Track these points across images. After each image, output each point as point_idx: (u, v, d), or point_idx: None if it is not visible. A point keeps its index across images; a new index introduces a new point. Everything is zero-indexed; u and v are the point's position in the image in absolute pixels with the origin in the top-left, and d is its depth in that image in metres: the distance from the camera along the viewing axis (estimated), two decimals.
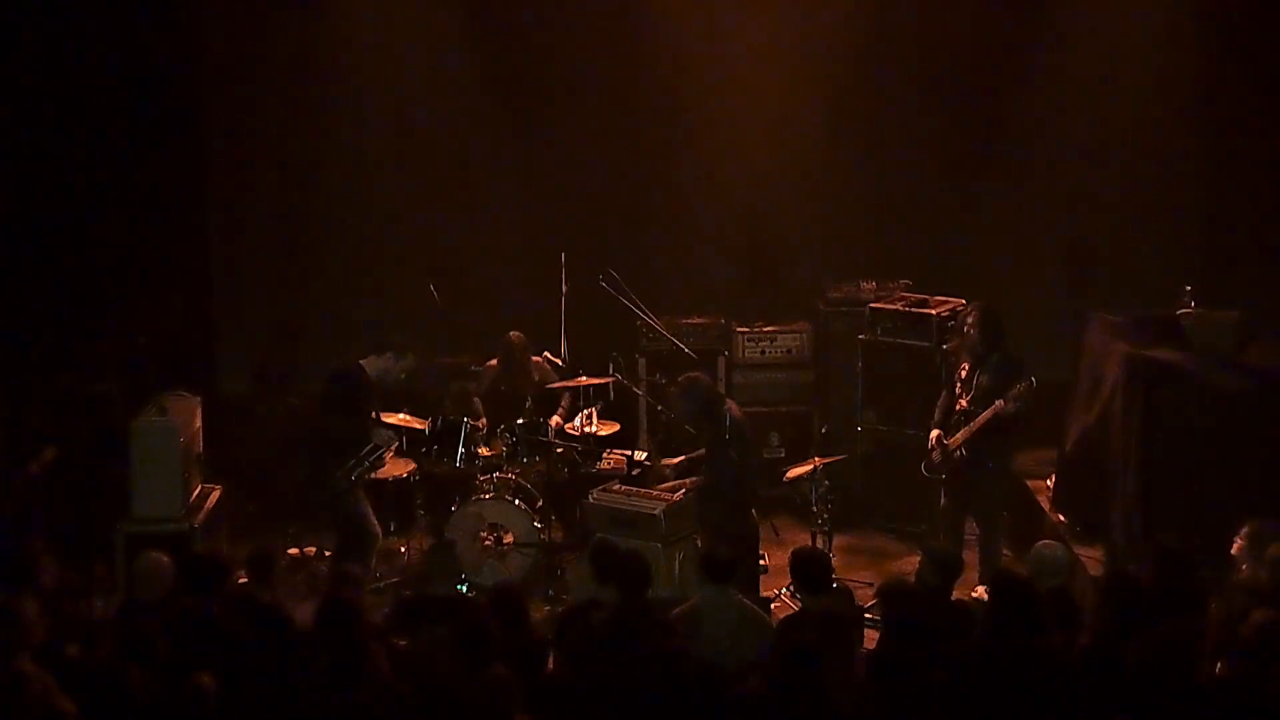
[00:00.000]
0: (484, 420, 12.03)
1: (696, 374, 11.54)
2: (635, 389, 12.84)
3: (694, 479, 11.22)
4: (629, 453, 12.02)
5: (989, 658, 7.46)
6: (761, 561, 11.43)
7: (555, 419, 12.22)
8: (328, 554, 11.63)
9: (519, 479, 11.73)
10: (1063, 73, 13.76)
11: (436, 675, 7.42)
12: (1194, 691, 7.18)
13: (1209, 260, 13.42)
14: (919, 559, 9.27)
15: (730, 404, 11.33)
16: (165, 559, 8.75)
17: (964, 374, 11.08)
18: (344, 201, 14.05)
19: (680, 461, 11.41)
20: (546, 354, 12.61)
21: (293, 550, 12.07)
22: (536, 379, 12.37)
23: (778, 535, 12.17)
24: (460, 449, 11.63)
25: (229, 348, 13.88)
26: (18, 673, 7.25)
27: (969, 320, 11.15)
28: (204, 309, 13.70)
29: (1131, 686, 7.23)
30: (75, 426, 11.31)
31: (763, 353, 13.46)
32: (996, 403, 10.75)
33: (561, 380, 12.38)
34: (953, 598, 8.84)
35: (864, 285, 13.16)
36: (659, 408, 12.46)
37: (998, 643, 7.54)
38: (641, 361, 13.26)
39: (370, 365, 11.12)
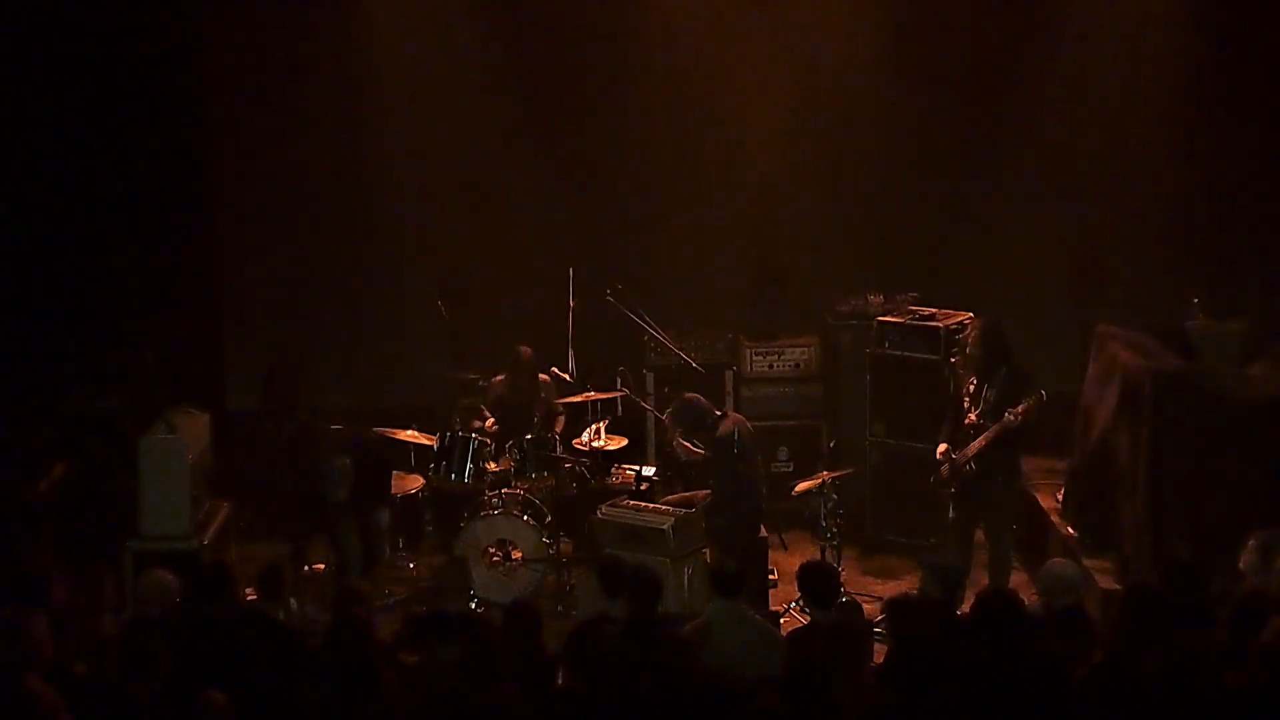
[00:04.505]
0: (491, 421, 12.01)
1: (690, 395, 11.53)
2: (643, 404, 12.84)
3: (704, 493, 11.24)
4: (637, 467, 12.02)
5: (1000, 672, 7.46)
6: (770, 576, 11.43)
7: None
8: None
9: (527, 494, 11.73)
10: (1070, 85, 13.76)
11: (446, 692, 7.41)
12: (1213, 703, 7.17)
13: (1216, 271, 13.40)
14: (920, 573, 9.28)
15: (732, 418, 11.32)
16: (170, 576, 8.75)
17: (972, 387, 11.07)
18: (352, 216, 14.04)
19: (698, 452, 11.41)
20: (554, 369, 12.62)
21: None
22: (543, 395, 12.38)
23: (786, 549, 12.16)
24: (468, 465, 11.65)
25: (237, 364, 13.88)
26: (26, 691, 7.25)
27: (972, 337, 11.15)
28: (212, 324, 13.70)
29: (1151, 699, 7.21)
30: (83, 444, 11.29)
31: (770, 366, 13.45)
32: (1005, 416, 10.73)
33: (567, 396, 12.38)
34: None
35: (871, 298, 13.14)
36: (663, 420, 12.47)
37: (1009, 657, 7.53)
38: (649, 376, 13.26)
39: None
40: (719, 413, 11.45)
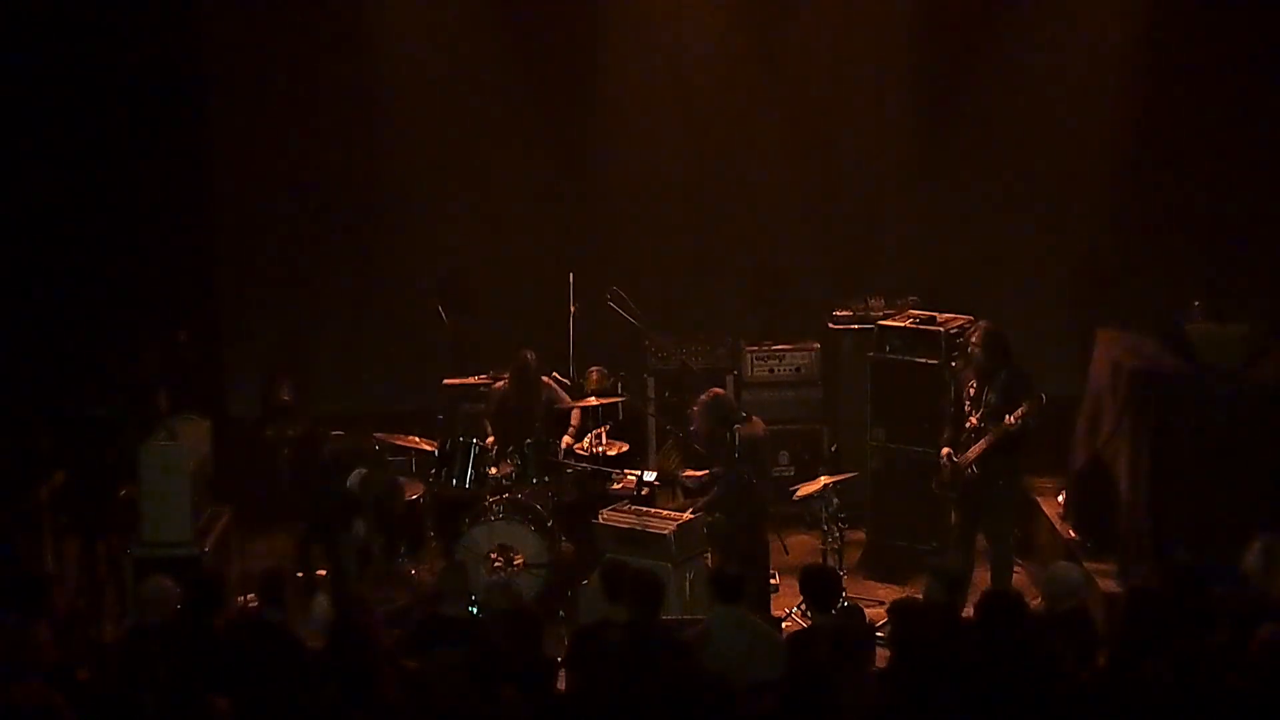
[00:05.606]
0: (492, 439, 12.02)
1: (720, 390, 11.60)
2: (644, 408, 12.82)
3: (705, 499, 11.24)
4: (639, 472, 12.01)
5: (1002, 674, 7.45)
6: (772, 580, 11.42)
7: (565, 439, 12.18)
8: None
9: (528, 499, 11.71)
10: (1069, 87, 13.77)
11: (446, 697, 7.40)
12: (1215, 706, 7.17)
13: (1216, 273, 13.40)
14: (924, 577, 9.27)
15: (753, 421, 11.33)
16: (171, 583, 8.76)
17: (973, 391, 11.07)
18: (352, 222, 14.05)
19: (703, 475, 11.40)
20: (555, 374, 12.61)
21: (300, 573, 12.03)
22: (545, 398, 12.37)
23: (788, 553, 12.15)
24: (469, 470, 11.64)
25: (238, 370, 13.87)
26: (27, 696, 7.25)
27: (973, 340, 11.15)
28: (212, 331, 13.69)
29: (1153, 702, 7.21)
30: (84, 451, 11.30)
31: (771, 371, 13.46)
32: (1006, 419, 10.73)
33: (568, 401, 12.37)
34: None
35: (872, 302, 13.15)
36: (667, 426, 12.46)
37: (1012, 659, 7.53)
38: (650, 380, 13.25)
39: None
40: (743, 415, 11.47)
